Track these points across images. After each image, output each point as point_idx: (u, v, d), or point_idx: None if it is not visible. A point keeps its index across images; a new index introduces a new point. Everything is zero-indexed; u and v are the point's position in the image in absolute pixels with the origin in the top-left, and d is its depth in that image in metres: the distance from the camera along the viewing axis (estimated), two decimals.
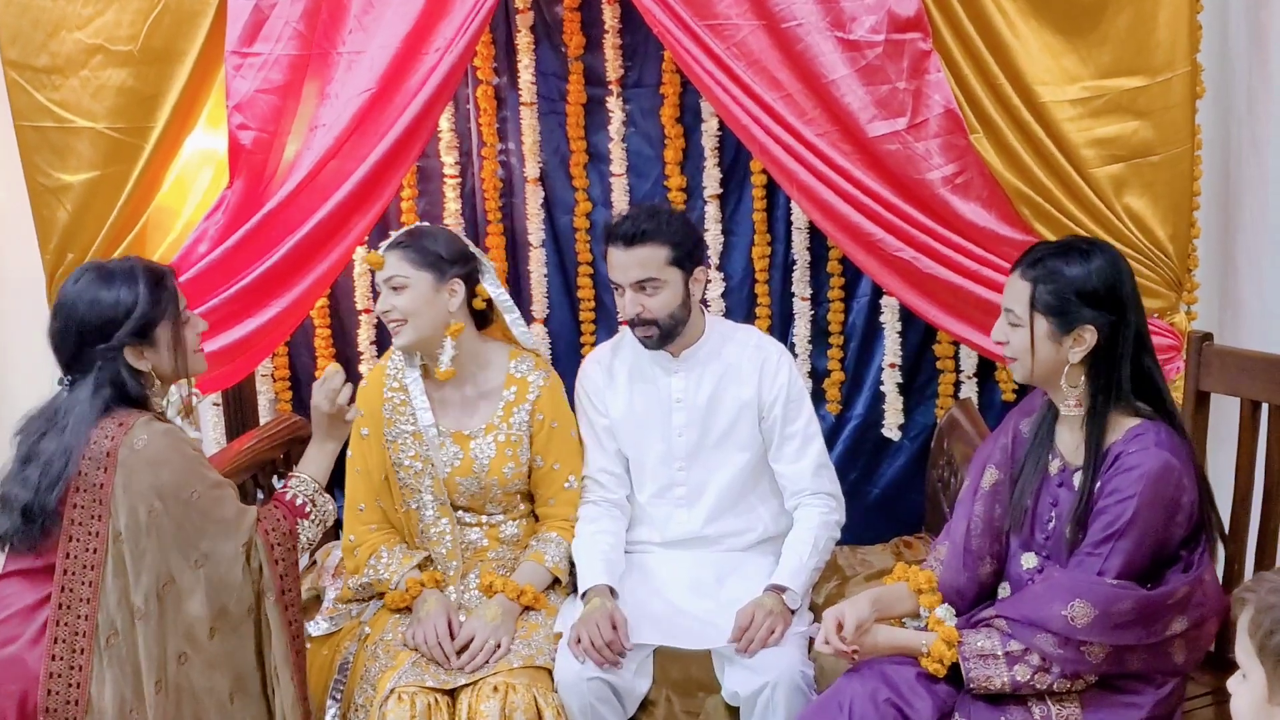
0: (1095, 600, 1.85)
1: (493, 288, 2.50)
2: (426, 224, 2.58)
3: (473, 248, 2.50)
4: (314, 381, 2.31)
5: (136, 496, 1.99)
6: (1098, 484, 1.92)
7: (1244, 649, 1.41)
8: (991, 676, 1.90)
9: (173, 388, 2.60)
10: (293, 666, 2.10)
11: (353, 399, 2.32)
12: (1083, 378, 1.96)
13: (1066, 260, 1.95)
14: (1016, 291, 1.98)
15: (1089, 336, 1.93)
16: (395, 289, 2.38)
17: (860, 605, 2.01)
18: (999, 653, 1.90)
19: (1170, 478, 1.87)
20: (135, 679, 1.99)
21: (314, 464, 2.26)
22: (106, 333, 2.05)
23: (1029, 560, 2.03)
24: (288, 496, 2.20)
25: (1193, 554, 1.92)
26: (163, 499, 2.00)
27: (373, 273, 3.03)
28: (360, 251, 2.98)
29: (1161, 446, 1.88)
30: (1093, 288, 1.92)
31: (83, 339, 2.05)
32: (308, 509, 2.19)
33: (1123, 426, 1.94)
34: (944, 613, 2.05)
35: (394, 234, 2.46)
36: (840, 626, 1.98)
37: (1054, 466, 2.03)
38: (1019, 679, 1.89)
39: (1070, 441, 2.00)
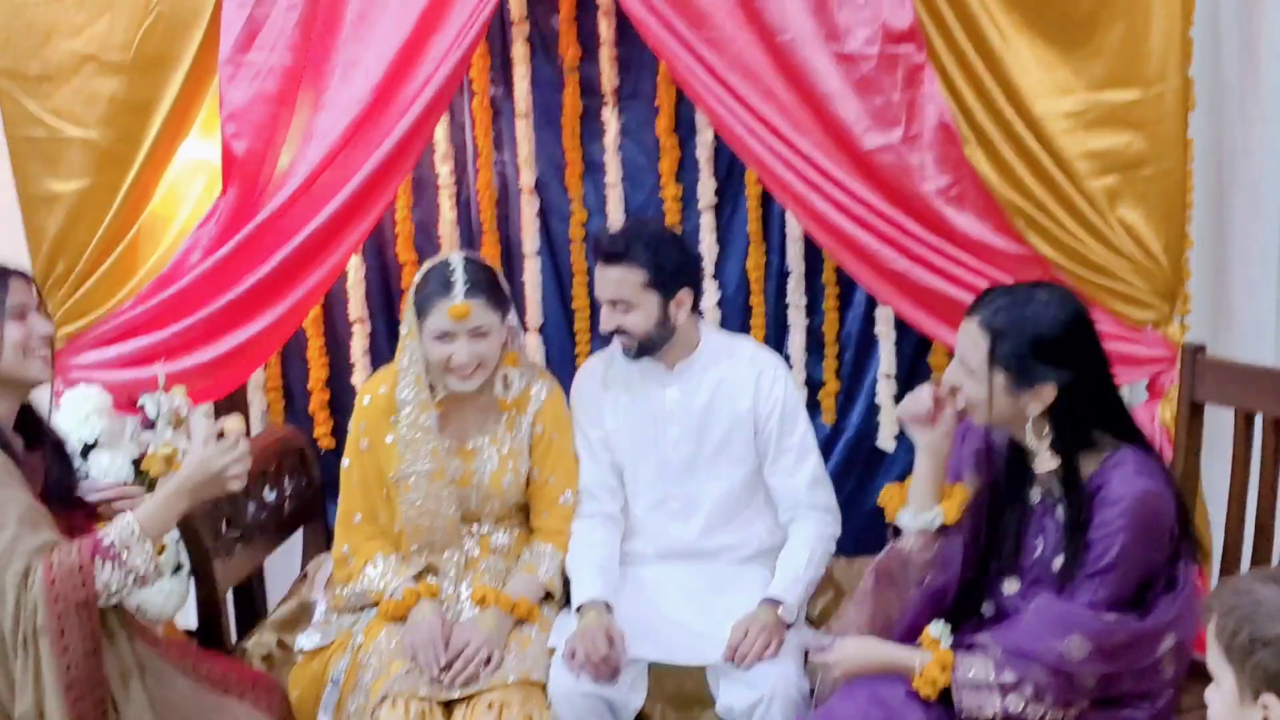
0: (1091, 635, 1.85)
1: (514, 317, 2.49)
2: (476, 254, 2.47)
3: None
4: (218, 439, 2.04)
5: None
6: (1082, 516, 1.92)
7: (1214, 655, 1.42)
8: (983, 706, 1.89)
9: (162, 397, 2.59)
10: None
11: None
12: (1046, 427, 1.94)
13: (1026, 312, 1.92)
14: (973, 341, 1.94)
15: (1048, 393, 1.91)
16: (482, 336, 2.32)
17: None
18: (992, 682, 1.89)
19: (1154, 504, 1.88)
20: None
21: (154, 513, 1.95)
22: None
23: (1011, 586, 2.03)
24: (99, 534, 1.92)
25: (1175, 569, 1.93)
26: None
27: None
28: (355, 260, 2.97)
29: (1141, 473, 1.88)
30: (1054, 343, 1.89)
31: None
32: (113, 552, 1.89)
33: (1098, 456, 1.93)
34: (938, 630, 2.01)
35: (461, 277, 2.30)
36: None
37: (1034, 496, 2.02)
38: (1011, 710, 1.88)
39: (1047, 469, 1.99)
